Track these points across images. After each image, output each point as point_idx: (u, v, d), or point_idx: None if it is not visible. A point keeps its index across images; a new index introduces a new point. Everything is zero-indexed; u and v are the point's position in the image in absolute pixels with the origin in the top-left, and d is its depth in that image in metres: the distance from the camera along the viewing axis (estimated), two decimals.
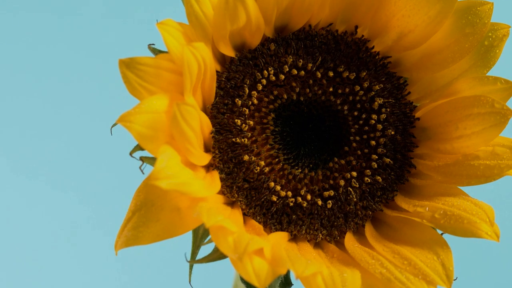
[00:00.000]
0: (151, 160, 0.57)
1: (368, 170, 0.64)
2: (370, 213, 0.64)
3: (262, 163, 0.61)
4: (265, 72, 0.62)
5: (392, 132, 0.65)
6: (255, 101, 0.61)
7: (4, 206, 1.38)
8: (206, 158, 0.57)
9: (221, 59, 0.60)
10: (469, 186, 0.61)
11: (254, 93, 0.61)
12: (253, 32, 0.59)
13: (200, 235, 0.57)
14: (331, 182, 0.64)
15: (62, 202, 1.39)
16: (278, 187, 0.61)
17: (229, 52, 0.59)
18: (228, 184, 0.59)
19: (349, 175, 0.64)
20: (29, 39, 1.44)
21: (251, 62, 0.61)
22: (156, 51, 0.59)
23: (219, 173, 0.59)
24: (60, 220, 1.38)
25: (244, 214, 0.59)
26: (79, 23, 1.47)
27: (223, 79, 0.60)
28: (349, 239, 0.62)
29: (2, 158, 1.40)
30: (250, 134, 0.61)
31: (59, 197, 1.39)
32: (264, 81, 0.62)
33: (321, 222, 0.62)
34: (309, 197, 0.62)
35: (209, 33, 0.55)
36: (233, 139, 0.59)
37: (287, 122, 0.65)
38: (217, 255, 0.57)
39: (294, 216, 0.61)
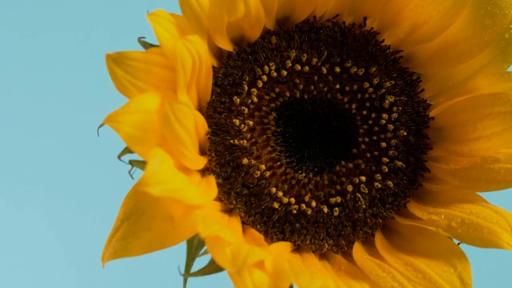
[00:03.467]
0: (142, 164, 0.57)
1: (378, 175, 0.64)
2: (381, 221, 0.64)
3: (263, 167, 0.60)
4: (266, 67, 0.61)
5: (405, 133, 0.65)
6: (255, 99, 0.61)
7: None
8: (202, 162, 0.56)
9: (218, 53, 0.60)
10: (489, 192, 0.61)
11: (254, 90, 0.61)
12: (253, 24, 0.59)
13: (195, 245, 0.57)
14: (338, 187, 0.64)
15: (46, 209, 1.38)
16: (280, 193, 0.61)
17: (227, 46, 0.59)
18: (226, 190, 0.59)
19: (357, 180, 0.64)
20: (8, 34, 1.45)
21: (250, 56, 0.61)
22: (147, 45, 0.59)
23: (215, 178, 0.58)
24: (45, 228, 1.38)
25: (243, 223, 0.59)
26: (64, 14, 1.46)
27: (220, 75, 0.60)
28: (358, 250, 0.61)
29: None
30: (249, 135, 0.61)
31: (42, 203, 1.39)
32: (264, 78, 0.61)
33: (327, 231, 0.62)
34: (314, 204, 0.62)
35: (205, 25, 0.55)
36: (231, 141, 0.59)
37: (290, 122, 0.65)
38: (213, 267, 0.56)
39: (297, 225, 0.61)
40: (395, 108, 0.65)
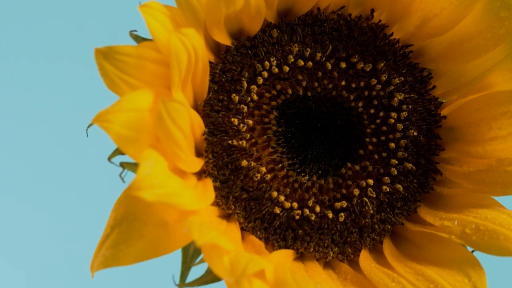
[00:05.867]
0: (133, 167, 0.56)
1: (386, 177, 0.64)
2: (389, 227, 0.64)
3: (263, 169, 0.60)
4: (267, 63, 0.61)
5: (415, 133, 0.65)
6: (255, 97, 0.61)
7: None
8: (198, 164, 0.56)
9: (215, 48, 0.60)
10: (505, 196, 0.60)
11: (254, 87, 0.61)
12: (253, 16, 0.58)
13: (191, 254, 0.57)
14: (344, 191, 0.63)
15: (31, 215, 1.38)
16: (282, 197, 0.60)
17: (225, 40, 0.59)
18: (224, 194, 0.59)
19: (364, 183, 0.63)
20: None
21: (250, 51, 0.61)
22: (139, 39, 0.59)
23: (213, 181, 0.58)
24: (31, 235, 1.38)
25: (242, 229, 0.59)
26: (52, 5, 1.46)
27: (218, 71, 0.60)
28: (365, 258, 0.61)
29: None
30: (249, 135, 0.61)
31: (27, 208, 1.39)
32: (265, 74, 0.61)
33: (332, 238, 0.62)
34: (318, 209, 0.61)
35: (201, 18, 0.55)
36: (229, 141, 0.59)
37: (292, 121, 0.65)
38: (210, 277, 0.56)
39: (300, 231, 0.61)
40: (404, 106, 0.64)
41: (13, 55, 1.42)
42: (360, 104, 0.65)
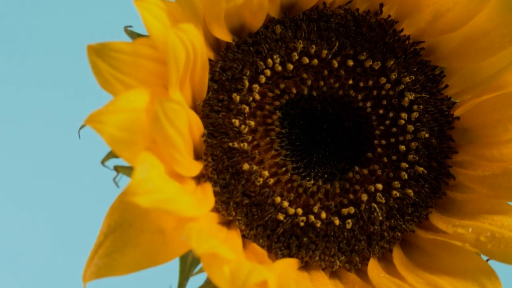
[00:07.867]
0: (128, 171, 0.56)
1: (396, 182, 0.64)
2: (399, 234, 0.63)
3: (266, 173, 0.60)
4: (269, 60, 0.61)
5: (426, 135, 0.64)
6: (257, 97, 0.61)
7: None
8: (196, 168, 0.56)
9: (215, 45, 0.60)
10: None
11: (256, 86, 0.61)
12: (255, 11, 0.58)
13: (189, 263, 0.57)
14: (351, 196, 0.63)
15: (20, 222, 1.38)
16: (286, 203, 0.60)
17: (225, 36, 0.59)
18: (224, 200, 0.59)
19: (373, 188, 0.63)
20: None
21: (252, 48, 0.61)
22: (134, 35, 0.59)
23: (212, 185, 0.58)
24: (18, 243, 1.38)
25: (243, 237, 0.59)
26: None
27: (218, 69, 0.60)
28: (373, 267, 0.61)
29: None
30: (250, 137, 0.60)
31: (16, 215, 1.39)
32: (268, 72, 0.61)
33: (339, 246, 0.62)
34: (323, 215, 0.61)
35: (200, 13, 0.54)
36: (230, 144, 0.59)
37: (297, 123, 0.65)
38: None
39: (305, 239, 0.60)
40: (415, 107, 0.64)
41: (4, 53, 1.43)
42: (369, 104, 0.65)
